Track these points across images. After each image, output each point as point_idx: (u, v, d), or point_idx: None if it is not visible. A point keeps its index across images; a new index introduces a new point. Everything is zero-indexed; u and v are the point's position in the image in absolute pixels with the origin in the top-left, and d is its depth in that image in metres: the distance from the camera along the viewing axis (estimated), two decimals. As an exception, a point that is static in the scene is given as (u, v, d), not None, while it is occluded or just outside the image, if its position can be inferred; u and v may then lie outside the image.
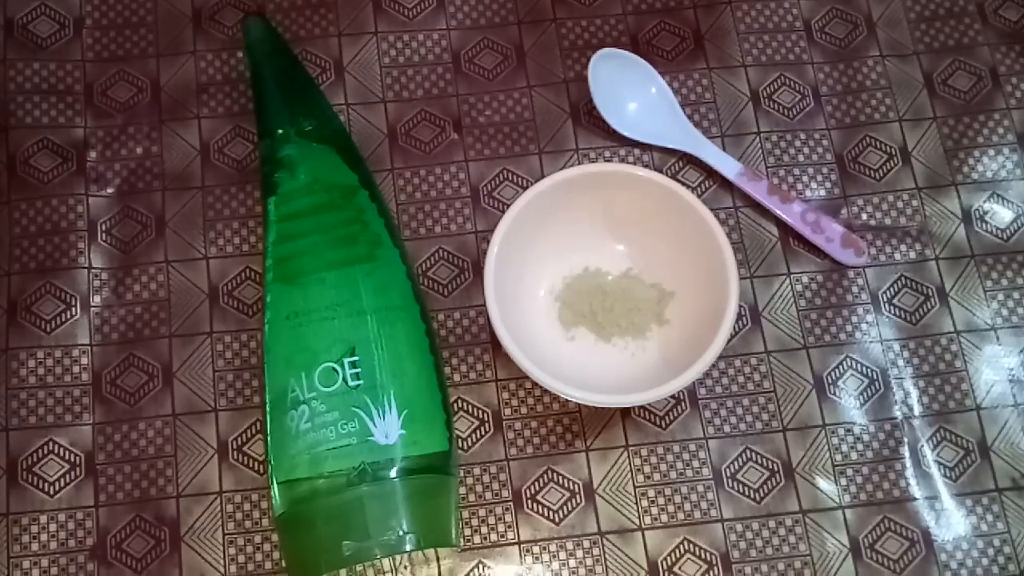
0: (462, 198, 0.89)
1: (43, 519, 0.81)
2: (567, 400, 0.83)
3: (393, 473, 0.74)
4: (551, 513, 0.82)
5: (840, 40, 0.94)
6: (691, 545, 0.81)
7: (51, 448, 0.82)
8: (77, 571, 0.80)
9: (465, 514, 0.82)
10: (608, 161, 0.90)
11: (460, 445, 0.83)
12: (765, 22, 0.94)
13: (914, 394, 0.85)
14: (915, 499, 0.82)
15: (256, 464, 0.82)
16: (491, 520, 0.81)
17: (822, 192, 0.90)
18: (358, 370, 0.76)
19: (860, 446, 0.83)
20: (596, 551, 0.81)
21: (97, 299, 0.85)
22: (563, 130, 0.91)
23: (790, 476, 0.83)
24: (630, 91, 0.91)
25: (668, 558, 0.81)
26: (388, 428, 0.75)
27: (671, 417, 0.84)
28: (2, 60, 0.91)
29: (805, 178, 0.90)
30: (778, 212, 0.88)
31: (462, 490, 0.82)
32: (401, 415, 0.76)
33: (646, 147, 0.90)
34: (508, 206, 0.80)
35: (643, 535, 0.81)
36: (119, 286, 0.86)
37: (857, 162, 0.91)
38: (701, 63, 0.93)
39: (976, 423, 0.84)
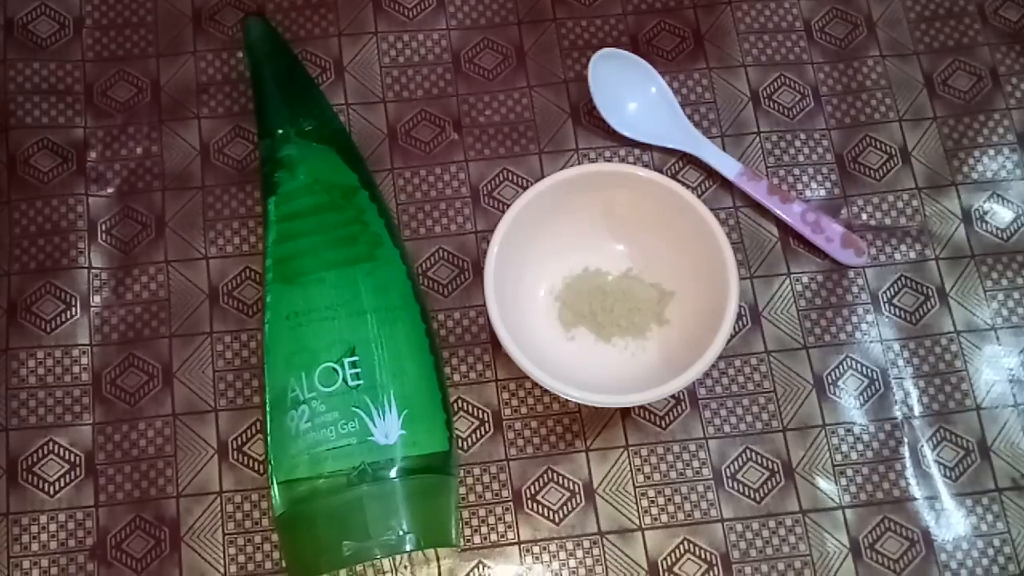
0: (462, 198, 0.89)
1: (43, 519, 0.81)
2: (567, 400, 0.83)
3: (393, 473, 0.74)
4: (551, 513, 0.82)
5: (840, 40, 0.94)
6: (691, 545, 0.81)
7: (51, 448, 0.82)
8: (77, 571, 0.80)
9: (465, 514, 0.82)
10: (608, 161, 0.90)
11: (460, 445, 0.83)
12: (765, 22, 0.94)
13: (914, 394, 0.85)
14: (915, 499, 0.82)
15: (256, 464, 0.82)
16: (491, 520, 0.81)
17: (822, 192, 0.90)
18: (358, 370, 0.76)
19: (860, 446, 0.83)
20: (596, 551, 0.81)
21: (97, 299, 0.85)
22: (563, 130, 0.91)
23: (790, 476, 0.83)
24: (630, 91, 0.91)
25: (668, 558, 0.81)
26: (388, 428, 0.75)
27: (671, 417, 0.84)
28: (2, 60, 0.91)
29: (805, 178, 0.90)
30: (778, 212, 0.88)
31: (462, 490, 0.82)
32: (401, 415, 0.76)
33: (646, 147, 0.90)
34: (508, 206, 0.80)
35: (643, 535, 0.81)
36: (119, 286, 0.86)
37: (857, 162, 0.91)
38: (701, 63, 0.93)
39: (976, 423, 0.84)
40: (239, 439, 0.83)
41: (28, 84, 0.90)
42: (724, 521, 0.82)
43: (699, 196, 0.87)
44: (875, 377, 0.85)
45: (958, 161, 0.91)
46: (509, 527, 0.81)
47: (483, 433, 0.83)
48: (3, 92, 0.90)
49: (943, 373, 0.85)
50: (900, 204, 0.89)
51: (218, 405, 0.84)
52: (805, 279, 0.87)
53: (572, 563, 0.80)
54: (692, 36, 0.94)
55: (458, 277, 0.87)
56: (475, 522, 0.81)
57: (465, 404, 0.84)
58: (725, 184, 0.89)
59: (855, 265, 0.88)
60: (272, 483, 0.77)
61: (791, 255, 0.88)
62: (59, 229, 0.87)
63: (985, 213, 0.89)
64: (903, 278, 0.88)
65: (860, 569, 0.81)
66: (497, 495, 0.82)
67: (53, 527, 0.80)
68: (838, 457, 0.83)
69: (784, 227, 0.89)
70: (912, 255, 0.88)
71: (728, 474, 0.83)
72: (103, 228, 0.87)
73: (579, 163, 0.90)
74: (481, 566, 0.80)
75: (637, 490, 0.82)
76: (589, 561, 0.81)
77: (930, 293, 0.87)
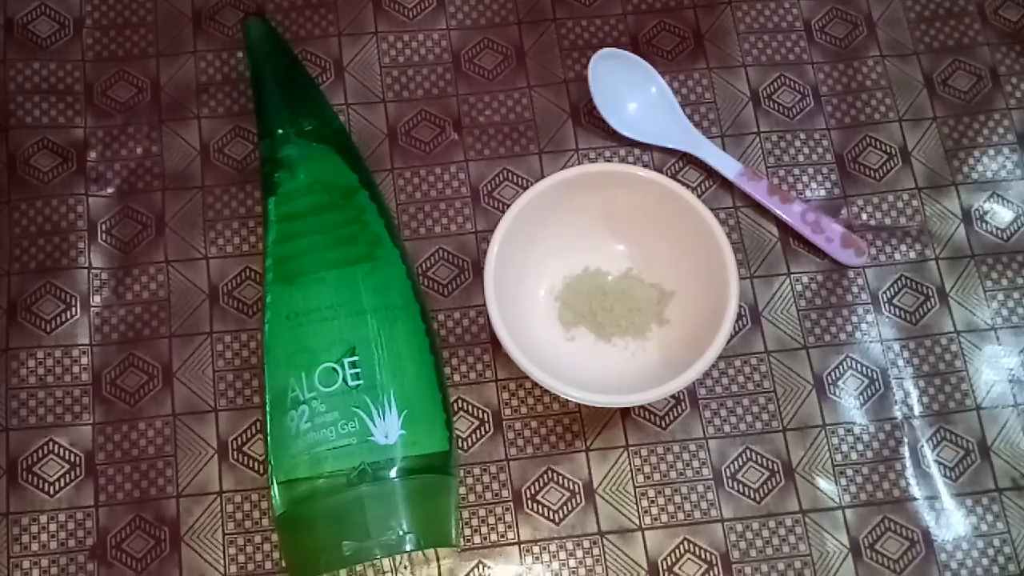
0: (462, 198, 0.89)
1: (43, 519, 0.81)
2: (567, 400, 0.83)
3: (393, 473, 0.74)
4: (551, 513, 0.82)
5: (840, 40, 0.94)
6: (691, 545, 0.81)
7: (51, 448, 0.82)
8: (77, 571, 0.80)
9: (465, 514, 0.82)
10: (608, 161, 0.90)
11: (460, 445, 0.83)
12: (765, 22, 0.94)
13: (914, 394, 0.85)
14: (915, 499, 0.82)
15: (256, 464, 0.82)
16: (491, 520, 0.81)
17: (822, 192, 0.90)
18: (358, 370, 0.76)
19: (860, 446, 0.83)
20: (596, 551, 0.81)
21: (97, 299, 0.85)
22: (563, 130, 0.91)
23: (790, 476, 0.83)
24: (630, 91, 0.91)
25: (668, 558, 0.81)
26: (388, 428, 0.75)
27: (671, 417, 0.84)
28: (2, 60, 0.91)
29: (805, 178, 0.90)
30: (778, 212, 0.88)
31: (462, 490, 0.82)
32: (401, 415, 0.76)
33: (646, 147, 0.90)
34: (508, 206, 0.80)
35: (643, 535, 0.81)
36: (119, 286, 0.86)
37: (857, 162, 0.91)
38: (701, 63, 0.93)
39: (976, 423, 0.84)
40: (239, 439, 0.83)
41: (28, 84, 0.90)
42: (724, 521, 0.82)
43: (699, 196, 0.87)
44: (875, 377, 0.85)
45: (958, 161, 0.91)
46: (509, 527, 0.81)
47: (483, 433, 0.83)
48: (3, 92, 0.90)
49: (943, 373, 0.85)
50: (900, 204, 0.89)
51: (218, 405, 0.84)
52: (805, 279, 0.87)
53: (572, 563, 0.80)
54: (692, 36, 0.94)
55: (458, 277, 0.87)
56: (475, 522, 0.81)
57: (465, 404, 0.84)
58: (725, 184, 0.89)
59: (855, 265, 0.88)
60: (272, 483, 0.77)
61: (791, 255, 0.88)
62: (59, 229, 0.87)
63: (985, 213, 0.89)
64: (903, 278, 0.88)
65: (860, 569, 0.81)
66: (497, 495, 0.82)
67: (53, 527, 0.80)
68: (838, 457, 0.83)
69: (784, 227, 0.89)
70: (912, 255, 0.88)
71: (728, 474, 0.83)
72: (103, 228, 0.87)
73: (579, 163, 0.90)
74: (481, 566, 0.80)
75: (637, 490, 0.82)
76: (589, 561, 0.81)
77: (930, 293, 0.87)
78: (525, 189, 0.81)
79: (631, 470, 0.83)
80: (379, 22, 0.93)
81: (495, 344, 0.85)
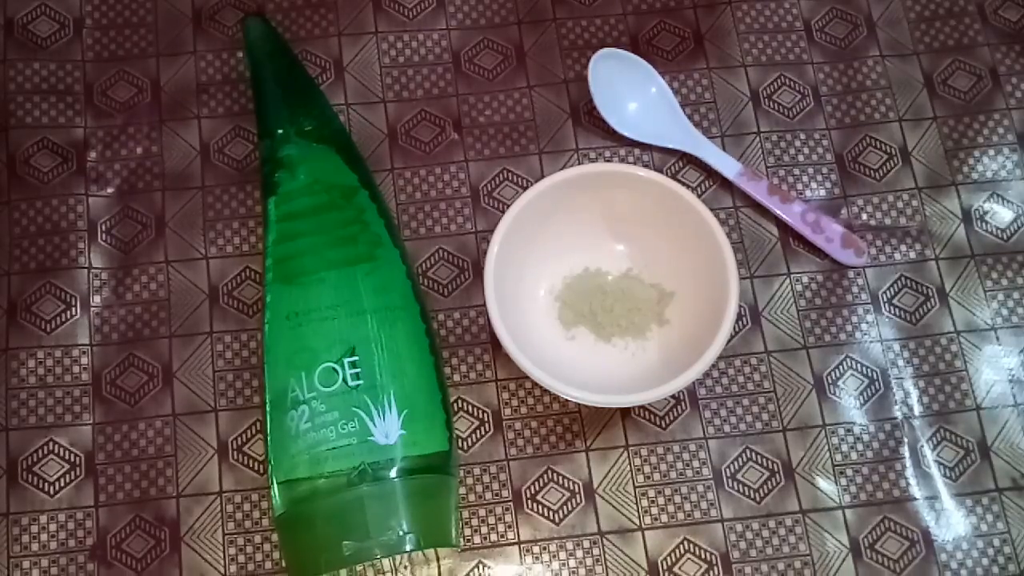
0: (462, 198, 0.89)
1: (43, 519, 0.81)
2: (567, 400, 0.83)
3: (393, 473, 0.74)
4: (551, 513, 0.82)
5: (840, 40, 0.94)
6: (691, 545, 0.81)
7: (51, 448, 0.82)
8: (77, 571, 0.80)
9: (465, 514, 0.82)
10: (608, 161, 0.90)
11: (460, 445, 0.83)
12: (765, 22, 0.94)
13: (914, 394, 0.85)
14: (915, 499, 0.82)
15: (256, 464, 0.82)
16: (491, 520, 0.81)
17: (822, 192, 0.90)
18: (358, 370, 0.76)
19: (860, 446, 0.83)
20: (596, 551, 0.81)
21: (97, 299, 0.85)
22: (563, 130, 0.91)
23: (790, 476, 0.83)
24: (630, 91, 0.91)
25: (668, 558, 0.81)
26: (388, 428, 0.75)
27: (671, 417, 0.84)
28: (2, 60, 0.91)
29: (805, 178, 0.90)
30: (778, 212, 0.88)
31: (462, 490, 0.82)
32: (401, 415, 0.76)
33: (646, 147, 0.90)
34: (508, 206, 0.80)
35: (643, 535, 0.81)
36: (119, 286, 0.86)
37: (857, 162, 0.91)
38: (701, 63, 0.93)
39: (976, 423, 0.84)
40: (239, 439, 0.83)
41: (28, 84, 0.90)
42: (724, 521, 0.82)
43: (699, 196, 0.87)
44: (875, 377, 0.85)
45: (958, 161, 0.91)
46: (509, 527, 0.81)
47: (483, 433, 0.83)
48: (3, 92, 0.90)
49: (943, 373, 0.85)
50: (900, 204, 0.89)
51: (218, 405, 0.84)
52: (805, 279, 0.87)
53: (572, 563, 0.80)
54: (692, 36, 0.94)
55: (458, 277, 0.87)
56: (475, 522, 0.81)
57: (465, 404, 0.84)
58: (725, 184, 0.89)
59: (855, 265, 0.88)
60: (272, 483, 0.77)
61: (791, 255, 0.88)
62: (59, 229, 0.87)
63: (985, 213, 0.89)
64: (903, 278, 0.88)
65: (860, 569, 0.81)
66: (497, 495, 0.82)
67: (53, 527, 0.80)
68: (838, 457, 0.83)
69: (784, 227, 0.88)
70: (912, 255, 0.88)
71: (728, 474, 0.83)
72: (103, 228, 0.87)
73: (579, 163, 0.90)
74: (481, 566, 0.80)
75: (637, 490, 0.82)
76: (589, 561, 0.81)
77: (930, 293, 0.87)
78: (525, 189, 0.81)
79: (631, 470, 0.83)
80: (379, 22, 0.93)
81: (495, 344, 0.85)
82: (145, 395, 0.84)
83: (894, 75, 0.93)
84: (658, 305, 0.84)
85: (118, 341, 0.85)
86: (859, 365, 0.85)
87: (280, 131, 0.85)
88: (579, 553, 0.81)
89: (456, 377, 0.85)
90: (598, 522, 0.81)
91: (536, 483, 0.82)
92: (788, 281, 0.87)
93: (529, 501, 0.82)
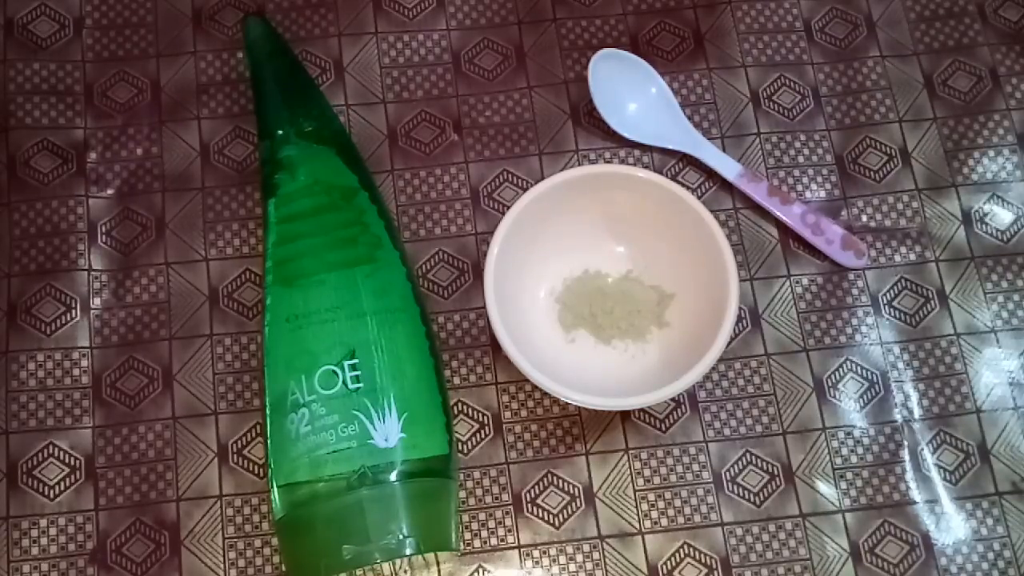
0: (462, 199, 0.89)
1: (43, 523, 0.81)
2: (567, 403, 0.83)
3: (393, 477, 0.74)
4: (551, 517, 0.82)
5: (840, 40, 0.94)
6: (691, 549, 0.81)
7: (51, 451, 0.82)
8: (77, 575, 0.80)
9: (465, 518, 0.82)
10: (608, 162, 0.90)
11: (460, 448, 0.83)
12: (765, 22, 0.94)
13: (914, 397, 0.85)
14: (915, 503, 0.82)
15: (256, 467, 0.82)
16: (491, 524, 0.82)
17: (822, 193, 0.90)
18: (358, 373, 0.76)
19: (860, 449, 0.83)
20: (596, 555, 0.81)
21: (97, 301, 0.85)
22: (563, 131, 0.91)
23: (790, 480, 0.83)
24: (630, 92, 0.91)
25: (668, 562, 0.81)
26: (388, 431, 0.75)
27: (671, 420, 0.84)
28: (2, 60, 0.91)
29: (805, 179, 0.90)
30: (778, 214, 0.88)
31: (462, 494, 0.82)
32: (401, 418, 0.76)
33: (646, 148, 0.90)
34: (508, 207, 0.80)
35: (643, 539, 0.81)
36: (119, 288, 0.86)
37: (857, 163, 0.91)
38: (701, 63, 0.93)
39: (976, 426, 0.84)
40: (239, 442, 0.83)
41: (28, 84, 0.90)
42: (724, 525, 0.82)
43: (699, 198, 0.87)
44: (875, 380, 0.85)
45: (958, 162, 0.91)
46: (509, 531, 0.81)
47: (483, 436, 0.83)
48: (3, 92, 0.90)
49: (943, 376, 0.85)
50: (900, 206, 0.89)
51: (218, 408, 0.84)
52: (805, 281, 0.87)
53: (572, 567, 0.81)
54: (692, 36, 0.94)
55: (458, 279, 0.87)
56: (475, 526, 0.82)
57: (465, 407, 0.84)
58: (725, 185, 0.89)
59: (855, 267, 0.88)
60: (272, 487, 0.77)
61: (791, 257, 0.88)
62: (59, 231, 0.87)
63: (985, 215, 0.89)
64: (903, 280, 0.88)
65: (860, 573, 0.81)
66: (497, 499, 0.82)
67: (53, 531, 0.80)
68: (838, 460, 0.83)
69: (784, 229, 0.88)
70: (912, 257, 0.88)
71: (728, 477, 0.83)
72: (103, 230, 0.87)
73: (579, 164, 0.90)
74: (481, 570, 0.81)
75: (637, 494, 0.82)
76: (589, 565, 0.81)
77: (930, 295, 0.87)
78: (525, 190, 0.81)
79: (631, 473, 0.83)
80: (379, 22, 0.93)
81: (495, 347, 0.85)
82: (145, 398, 0.83)
83: (894, 76, 0.93)
84: (658, 307, 0.84)
85: (118, 344, 0.85)
86: (859, 368, 0.85)
87: (280, 132, 0.85)
88: (579, 557, 0.81)
89: (456, 380, 0.85)
90: (598, 526, 0.81)
91: (536, 487, 0.82)
92: (788, 283, 0.87)
93: (529, 505, 0.82)
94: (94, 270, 0.86)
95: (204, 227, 0.88)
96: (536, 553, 0.81)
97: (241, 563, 0.80)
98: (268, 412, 0.78)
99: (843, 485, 0.83)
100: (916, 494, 0.82)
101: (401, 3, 0.94)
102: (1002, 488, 0.83)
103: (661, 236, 0.83)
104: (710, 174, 0.90)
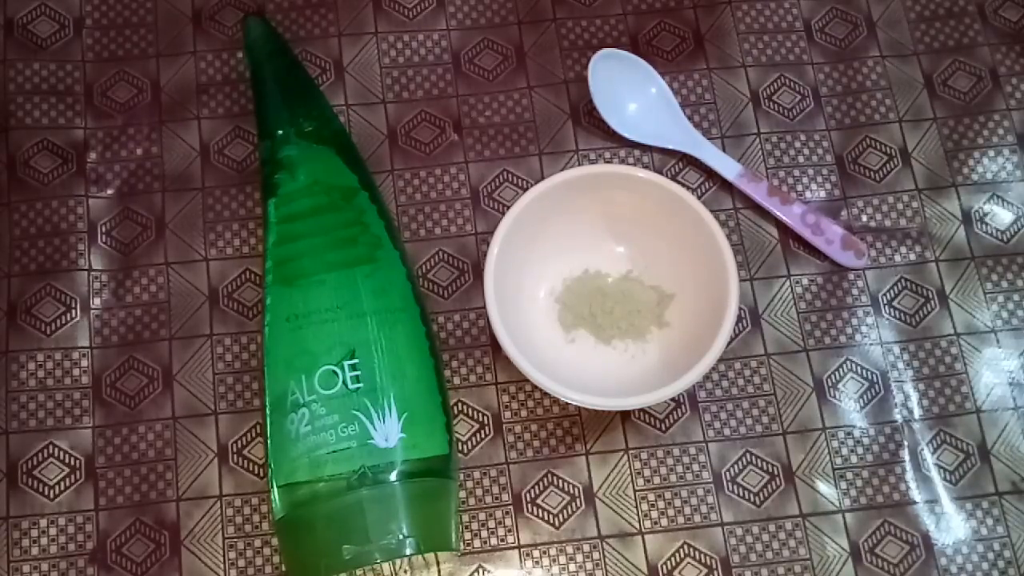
0: (462, 199, 0.89)
1: (43, 523, 0.81)
2: (567, 403, 0.83)
3: (393, 476, 0.74)
4: (551, 517, 0.82)
5: (840, 40, 0.94)
6: (691, 549, 0.81)
7: (51, 451, 0.82)
8: (77, 575, 0.80)
9: (465, 518, 0.82)
10: (608, 162, 0.90)
11: (460, 448, 0.83)
12: (765, 22, 0.94)
13: (914, 397, 0.85)
14: (915, 503, 0.82)
15: (256, 467, 0.82)
16: (491, 524, 0.82)
17: (822, 193, 0.90)
18: (358, 373, 0.76)
19: (860, 449, 0.83)
20: (596, 555, 0.81)
21: (97, 301, 0.85)
22: (563, 131, 0.91)
23: (790, 480, 0.83)
24: (630, 92, 0.91)
25: (668, 562, 0.81)
26: (388, 431, 0.75)
27: (671, 420, 0.84)
28: (2, 60, 0.91)
29: (805, 179, 0.90)
30: (778, 214, 0.88)
31: (462, 494, 0.82)
32: (401, 418, 0.76)
33: (646, 148, 0.90)
34: (508, 207, 0.80)
35: (643, 539, 0.81)
36: (119, 288, 0.86)
37: (857, 163, 0.91)
38: (701, 63, 0.93)
39: (976, 426, 0.84)
40: (239, 442, 0.83)
41: (28, 84, 0.90)
42: (724, 525, 0.82)
43: (699, 197, 0.87)
44: (875, 380, 0.85)
45: (958, 162, 0.91)
46: (509, 531, 0.81)
47: (483, 436, 0.83)
48: (3, 92, 0.90)
49: (943, 376, 0.85)
50: (900, 206, 0.89)
51: (218, 408, 0.84)
52: (805, 281, 0.87)
53: (572, 567, 0.80)
54: (692, 36, 0.94)
55: (458, 279, 0.87)
56: (475, 526, 0.81)
57: (465, 407, 0.84)
58: (725, 185, 0.89)
59: (855, 267, 0.87)
60: (272, 487, 0.77)
61: (791, 257, 0.88)
62: (59, 231, 0.87)
63: (985, 215, 0.89)
64: (903, 280, 0.88)
65: (860, 573, 0.81)
66: (497, 499, 0.82)
67: (53, 531, 0.80)
68: (838, 460, 0.83)
69: (784, 229, 0.88)
70: (912, 257, 0.88)
71: (728, 477, 0.83)
72: (103, 230, 0.87)
73: (579, 164, 0.90)
74: (481, 570, 0.80)
75: (637, 494, 0.82)
76: (589, 565, 0.81)
77: (930, 295, 0.87)
78: (525, 190, 0.81)
79: (631, 473, 0.83)
80: (379, 22, 0.93)
81: (495, 347, 0.85)
82: (145, 398, 0.83)
83: (894, 76, 0.93)
84: (658, 307, 0.84)
85: (118, 344, 0.85)
86: (859, 368, 0.85)
87: (280, 132, 0.85)
88: (579, 557, 0.81)
89: (456, 380, 0.85)
90: (598, 526, 0.81)
91: (536, 487, 0.82)
92: (788, 283, 0.87)
93: (529, 505, 0.82)
94: (94, 270, 0.86)
95: (204, 227, 0.88)
96: (536, 553, 0.81)
97: (241, 563, 0.80)
98: (268, 412, 0.78)
99: (843, 485, 0.83)
100: (916, 494, 0.82)
101: (401, 3, 0.94)
102: (1002, 488, 0.83)
103: (661, 236, 0.83)
104: (710, 174, 0.90)
